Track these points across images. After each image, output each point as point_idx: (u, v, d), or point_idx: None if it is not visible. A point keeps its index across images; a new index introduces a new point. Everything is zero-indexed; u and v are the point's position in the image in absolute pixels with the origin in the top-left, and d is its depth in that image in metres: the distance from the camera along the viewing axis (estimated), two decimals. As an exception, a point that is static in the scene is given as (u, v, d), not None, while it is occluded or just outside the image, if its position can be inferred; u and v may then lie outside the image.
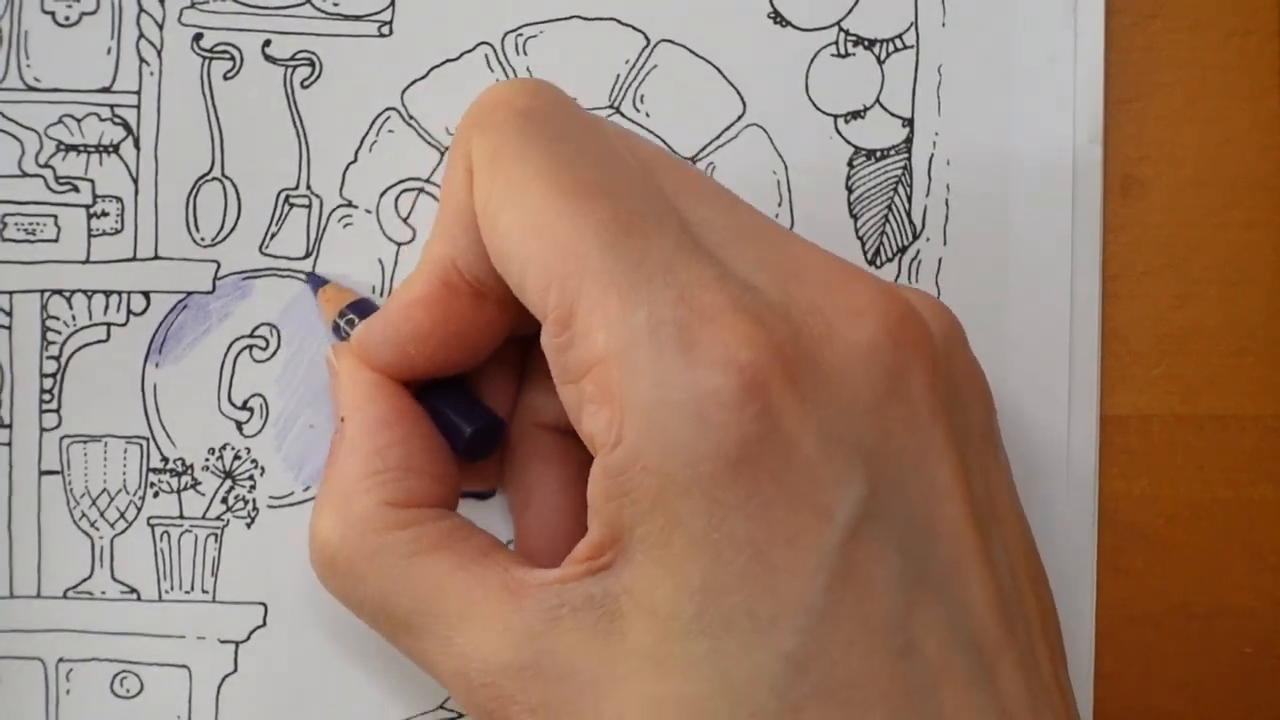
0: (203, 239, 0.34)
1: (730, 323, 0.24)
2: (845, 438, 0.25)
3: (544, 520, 0.31)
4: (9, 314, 0.34)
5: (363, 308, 0.32)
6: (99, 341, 0.34)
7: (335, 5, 0.34)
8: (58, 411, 0.34)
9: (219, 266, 0.34)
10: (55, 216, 0.34)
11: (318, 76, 0.34)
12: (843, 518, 0.24)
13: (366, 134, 0.35)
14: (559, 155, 0.27)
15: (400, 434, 0.29)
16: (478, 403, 0.31)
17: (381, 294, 0.34)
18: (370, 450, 0.29)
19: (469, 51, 0.35)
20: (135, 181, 0.34)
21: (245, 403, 0.34)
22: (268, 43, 0.34)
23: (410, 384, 0.30)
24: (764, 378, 0.24)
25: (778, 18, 0.35)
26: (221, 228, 0.34)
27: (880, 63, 0.35)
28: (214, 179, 0.34)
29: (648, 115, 0.35)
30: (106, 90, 0.34)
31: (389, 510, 0.28)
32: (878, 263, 0.35)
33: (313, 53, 0.34)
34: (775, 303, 0.25)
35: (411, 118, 0.34)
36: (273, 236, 0.34)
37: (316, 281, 0.34)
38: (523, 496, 0.32)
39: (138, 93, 0.34)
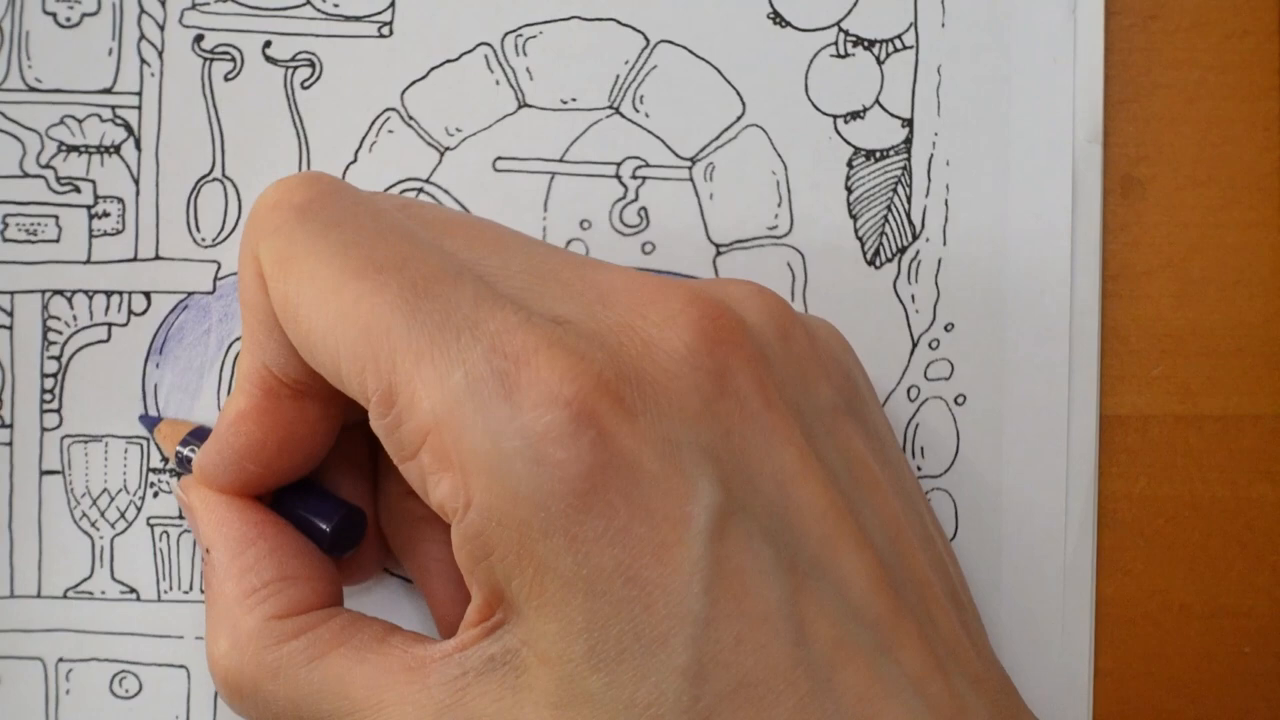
0: (203, 239, 0.34)
1: (546, 361, 0.24)
2: (685, 444, 0.25)
3: (445, 582, 0.31)
4: (10, 314, 0.34)
5: (201, 434, 0.32)
6: (100, 342, 0.34)
7: (335, 6, 0.35)
8: (58, 411, 0.34)
9: (220, 267, 0.34)
10: (56, 217, 0.34)
11: (318, 77, 0.35)
12: (702, 520, 0.24)
13: (366, 134, 0.35)
14: (344, 241, 0.27)
15: (265, 548, 0.29)
16: (331, 497, 0.31)
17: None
18: (241, 570, 0.29)
19: (469, 52, 0.35)
20: (136, 182, 0.34)
21: (245, 403, 0.34)
22: (268, 44, 0.35)
23: (263, 497, 0.31)
24: (591, 405, 0.24)
25: (777, 18, 0.35)
26: (222, 228, 0.34)
27: (880, 63, 0.35)
28: (215, 179, 0.34)
29: (647, 116, 0.35)
30: (108, 91, 0.34)
31: (277, 624, 0.28)
32: (877, 263, 0.35)
33: (313, 53, 0.35)
34: (588, 331, 0.25)
35: (411, 118, 0.35)
36: (273, 237, 0.34)
37: (150, 421, 0.34)
38: (420, 567, 0.32)
39: (139, 93, 0.34)
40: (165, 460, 0.34)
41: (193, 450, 0.32)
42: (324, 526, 0.30)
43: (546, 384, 0.24)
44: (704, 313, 0.26)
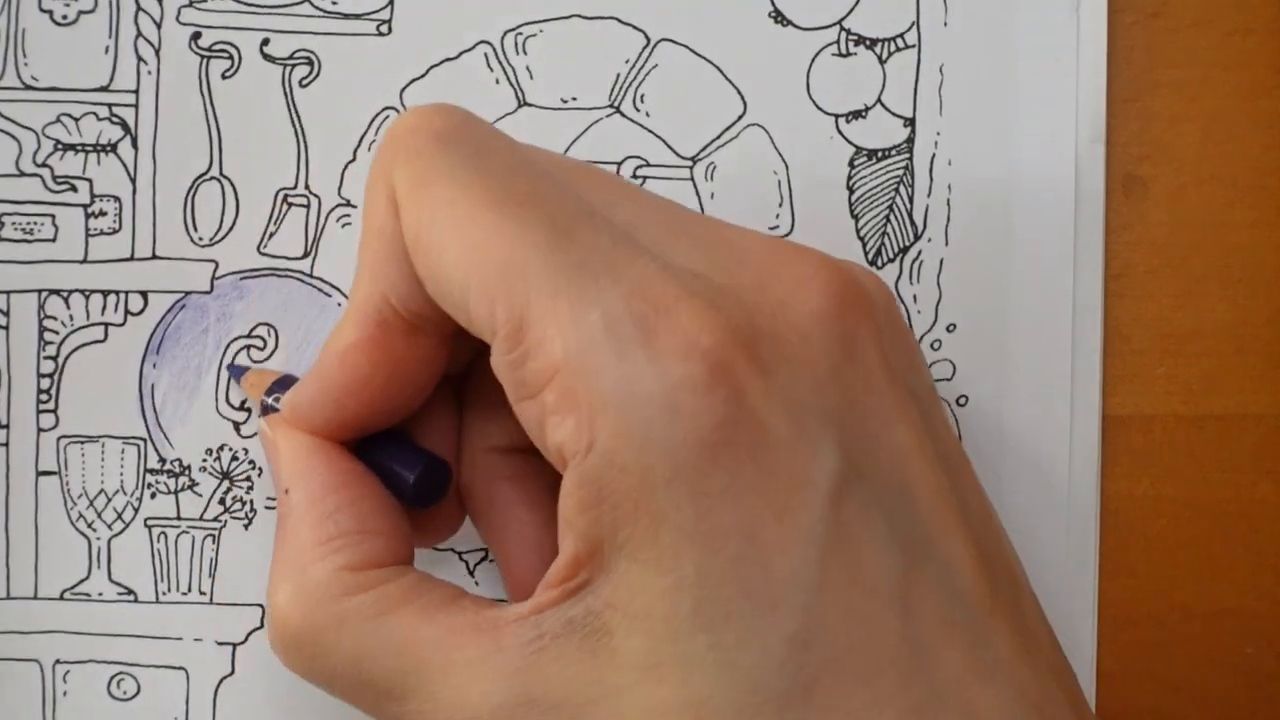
0: (201, 239, 0.34)
1: (686, 310, 0.24)
2: (812, 408, 0.25)
3: (523, 546, 0.31)
4: (6, 314, 0.34)
5: (287, 383, 0.31)
6: (96, 342, 0.34)
7: (334, 4, 0.34)
8: (55, 412, 0.34)
9: (217, 266, 0.34)
10: (53, 216, 0.34)
11: (316, 75, 0.34)
12: (824, 487, 0.24)
13: (365, 133, 0.34)
14: (484, 171, 0.26)
15: (348, 496, 0.29)
16: (418, 448, 0.30)
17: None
18: (320, 517, 0.28)
19: (468, 50, 0.35)
20: (133, 181, 0.34)
21: (243, 403, 0.34)
22: (266, 41, 0.34)
23: (348, 443, 0.30)
24: (728, 359, 0.24)
25: (779, 17, 0.35)
26: (220, 227, 0.34)
27: (882, 62, 0.35)
28: (212, 178, 0.34)
29: (648, 115, 0.35)
30: (104, 89, 0.34)
31: (348, 575, 0.27)
32: (879, 263, 0.35)
33: (311, 51, 0.34)
34: (723, 286, 0.25)
35: (411, 117, 0.34)
36: (271, 236, 0.34)
37: (238, 371, 0.34)
38: (495, 529, 0.31)
39: (135, 92, 0.34)
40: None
41: (277, 399, 0.31)
42: (408, 476, 0.30)
43: (686, 333, 0.24)
44: (836, 278, 0.26)
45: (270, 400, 0.31)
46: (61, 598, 0.34)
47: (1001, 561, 0.27)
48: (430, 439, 0.31)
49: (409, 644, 0.26)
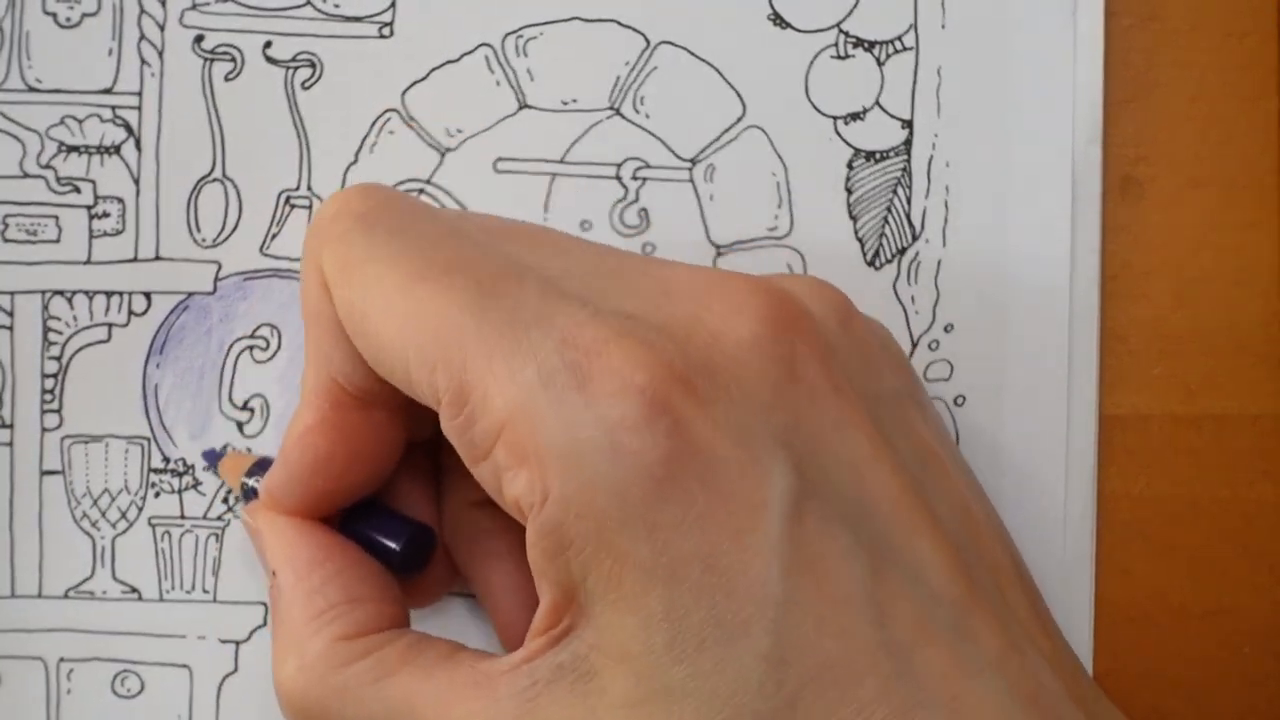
0: (204, 240, 0.34)
1: (617, 352, 0.25)
2: (758, 431, 0.25)
3: (510, 595, 0.31)
4: (10, 314, 0.34)
5: (265, 465, 0.32)
6: (100, 342, 0.34)
7: (336, 7, 0.35)
8: (59, 412, 0.34)
9: (220, 267, 0.34)
10: (56, 217, 0.34)
11: (318, 78, 0.35)
12: (779, 505, 0.24)
13: (367, 135, 0.35)
14: (406, 245, 0.27)
15: (332, 569, 0.29)
16: (399, 516, 0.31)
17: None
18: (308, 593, 0.29)
19: (469, 53, 0.35)
20: (136, 182, 0.34)
21: (246, 403, 0.34)
22: (268, 44, 0.34)
23: (330, 519, 0.31)
24: (664, 394, 0.24)
25: (778, 19, 0.35)
26: (222, 228, 0.34)
27: (880, 64, 0.35)
28: (215, 180, 0.34)
29: (647, 117, 0.35)
30: (108, 91, 0.34)
31: (344, 645, 0.28)
32: (877, 264, 0.35)
33: (313, 54, 0.35)
34: (655, 324, 0.26)
35: (412, 119, 0.35)
36: (274, 237, 0.34)
37: (213, 456, 0.34)
38: (482, 581, 0.32)
39: (139, 94, 0.34)
40: (230, 496, 0.34)
41: (257, 481, 0.32)
42: (393, 545, 0.30)
43: (619, 374, 0.24)
44: (768, 301, 0.26)
45: (250, 483, 0.32)
46: (66, 596, 0.34)
47: (982, 554, 0.27)
48: (410, 502, 0.32)
49: (410, 705, 0.27)
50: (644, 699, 0.24)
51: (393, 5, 0.35)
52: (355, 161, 0.34)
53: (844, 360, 0.27)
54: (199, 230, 0.34)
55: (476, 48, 0.35)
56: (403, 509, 0.32)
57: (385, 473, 0.31)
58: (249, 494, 0.32)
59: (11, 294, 0.34)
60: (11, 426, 0.34)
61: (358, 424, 0.29)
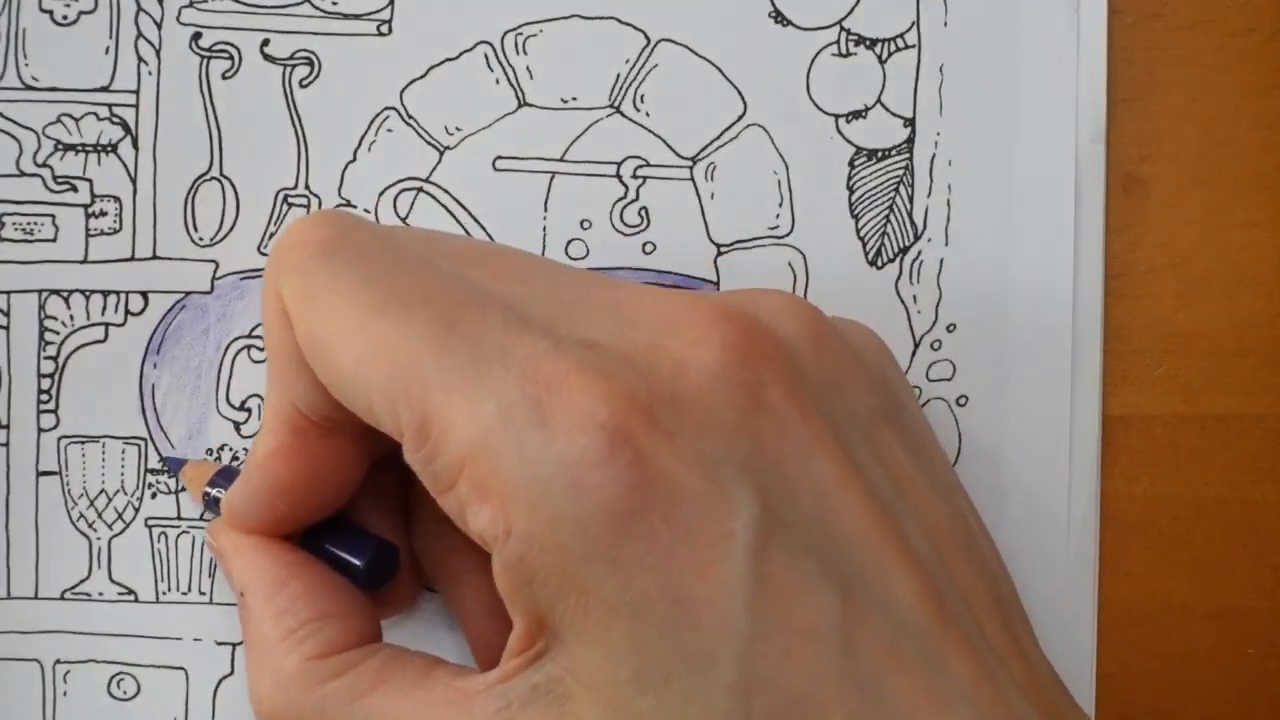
0: (201, 239, 0.34)
1: (577, 385, 0.24)
2: (723, 461, 0.25)
3: (481, 610, 0.31)
4: (6, 314, 0.34)
5: (228, 474, 0.32)
6: (97, 342, 0.34)
7: (334, 4, 0.34)
8: (55, 412, 0.34)
9: (217, 266, 0.34)
10: (53, 216, 0.34)
11: (316, 76, 0.34)
12: (745, 537, 0.24)
13: (365, 133, 0.34)
14: (367, 276, 0.27)
15: (300, 587, 0.29)
16: (363, 532, 0.31)
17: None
18: (277, 612, 0.29)
19: (468, 51, 0.35)
20: (133, 181, 0.34)
21: (243, 403, 0.34)
22: (266, 42, 0.34)
23: (293, 536, 0.31)
24: (626, 427, 0.24)
25: (779, 17, 0.35)
26: (220, 227, 0.34)
27: (882, 62, 0.35)
28: (212, 178, 0.34)
29: (648, 115, 0.35)
30: (105, 89, 0.34)
31: (317, 664, 0.28)
32: (879, 263, 0.35)
33: (311, 52, 0.34)
34: (617, 354, 0.25)
35: (410, 117, 0.34)
36: (271, 236, 0.34)
37: (175, 463, 0.34)
38: (457, 596, 0.32)
39: (136, 92, 0.34)
40: (202, 509, 0.34)
41: (220, 491, 0.32)
42: (357, 562, 0.30)
43: (580, 408, 0.24)
44: (733, 328, 0.26)
45: (213, 492, 0.32)
46: (62, 598, 0.34)
47: (955, 580, 0.27)
48: (377, 518, 0.32)
49: None
50: None
51: (391, 3, 0.34)
52: (353, 160, 0.34)
53: (814, 384, 0.27)
54: (196, 229, 0.34)
55: (475, 45, 0.35)
56: (366, 523, 0.32)
57: (348, 494, 0.31)
58: (210, 503, 0.32)
59: (8, 293, 0.34)
60: (8, 427, 0.34)
61: (319, 450, 0.29)
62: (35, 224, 0.34)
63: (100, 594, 0.34)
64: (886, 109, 0.35)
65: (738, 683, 0.24)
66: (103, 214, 0.34)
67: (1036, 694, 0.27)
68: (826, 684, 0.24)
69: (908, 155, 0.35)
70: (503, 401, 0.24)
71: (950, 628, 0.25)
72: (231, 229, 0.34)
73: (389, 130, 0.34)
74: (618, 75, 0.35)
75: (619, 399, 0.24)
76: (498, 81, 0.35)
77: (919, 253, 0.35)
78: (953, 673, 0.25)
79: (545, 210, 0.34)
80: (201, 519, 0.34)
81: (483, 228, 0.34)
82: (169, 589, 0.34)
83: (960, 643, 0.25)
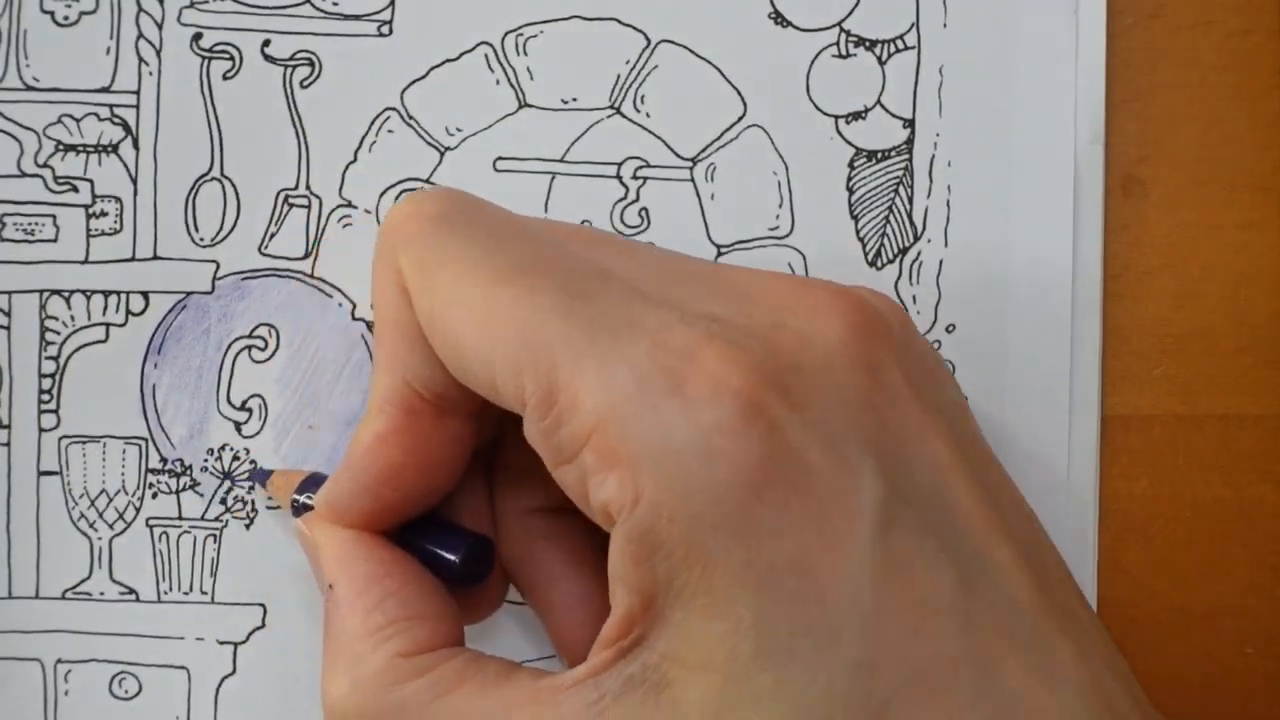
0: (202, 239, 0.34)
1: (710, 355, 0.24)
2: (848, 437, 0.25)
3: (569, 606, 0.31)
4: (8, 314, 0.34)
5: (316, 480, 0.32)
6: (98, 342, 0.34)
7: (335, 5, 0.34)
8: (56, 412, 0.34)
9: (218, 267, 0.34)
10: (54, 216, 0.34)
11: (317, 76, 0.34)
12: (871, 513, 0.24)
13: (366, 134, 0.34)
14: (486, 246, 0.27)
15: (393, 584, 0.29)
16: (456, 527, 0.31)
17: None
18: (368, 608, 0.28)
19: (469, 51, 0.35)
20: (134, 181, 0.34)
21: (244, 403, 0.34)
22: (267, 42, 0.34)
23: (388, 533, 0.30)
24: (759, 398, 0.24)
25: (778, 18, 0.35)
26: (221, 228, 0.34)
27: (881, 63, 0.35)
28: (213, 179, 0.34)
29: (648, 116, 0.35)
30: (105, 90, 0.34)
31: (402, 662, 0.27)
32: (878, 264, 0.35)
33: (312, 52, 0.34)
34: (742, 326, 0.26)
35: (411, 118, 0.34)
36: (272, 237, 0.34)
37: (262, 475, 0.34)
38: (539, 592, 0.31)
39: (137, 92, 0.34)
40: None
41: (309, 497, 0.31)
42: (452, 558, 0.30)
43: (714, 377, 0.24)
44: (850, 306, 0.26)
45: (302, 499, 0.32)
46: (63, 597, 0.34)
47: (1048, 561, 0.27)
48: (465, 513, 0.31)
49: None
50: (727, 707, 0.24)
51: (392, 3, 0.34)
52: (354, 160, 0.34)
53: (916, 370, 0.27)
54: (197, 229, 0.34)
55: (476, 46, 0.35)
56: (456, 517, 0.31)
57: (451, 483, 0.30)
58: (299, 510, 0.32)
59: (9, 294, 0.34)
60: (9, 427, 0.34)
61: (431, 431, 0.29)
62: (36, 224, 0.34)
63: (101, 593, 0.34)
64: (886, 110, 0.35)
65: (862, 659, 0.24)
66: (103, 214, 0.34)
67: (1122, 677, 0.27)
68: (948, 661, 0.24)
69: (907, 156, 0.35)
70: (635, 368, 0.24)
71: (1052, 610, 0.26)
72: (232, 229, 0.34)
73: (390, 131, 0.34)
74: (618, 76, 0.35)
75: (752, 370, 0.24)
76: (498, 82, 0.35)
77: (918, 253, 0.35)
78: (1057, 652, 0.25)
79: (546, 211, 0.34)
80: (214, 521, 0.34)
81: (483, 228, 0.34)
82: (170, 589, 0.34)
83: (1061, 625, 0.26)
